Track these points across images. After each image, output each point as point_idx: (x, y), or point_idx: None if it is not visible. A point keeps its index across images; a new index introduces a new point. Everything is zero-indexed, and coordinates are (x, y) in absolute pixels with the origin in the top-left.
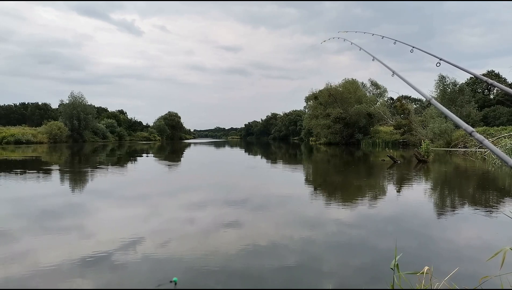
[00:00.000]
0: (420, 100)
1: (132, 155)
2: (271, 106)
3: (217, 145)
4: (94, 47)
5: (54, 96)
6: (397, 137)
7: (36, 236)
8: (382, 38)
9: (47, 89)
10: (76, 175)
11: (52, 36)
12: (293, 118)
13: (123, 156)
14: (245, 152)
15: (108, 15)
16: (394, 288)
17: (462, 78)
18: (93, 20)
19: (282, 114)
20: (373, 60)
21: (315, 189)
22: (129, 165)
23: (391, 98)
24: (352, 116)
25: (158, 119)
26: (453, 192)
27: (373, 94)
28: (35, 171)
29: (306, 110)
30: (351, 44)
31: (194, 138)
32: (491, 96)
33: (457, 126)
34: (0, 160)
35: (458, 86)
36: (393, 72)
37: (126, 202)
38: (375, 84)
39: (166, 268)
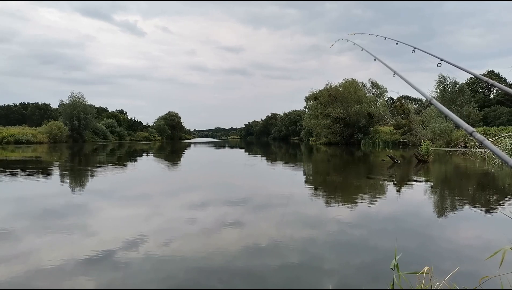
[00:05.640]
0: (420, 100)
1: (132, 155)
2: (272, 106)
3: (217, 145)
4: (96, 48)
5: (55, 96)
6: (397, 137)
7: (38, 235)
8: (385, 39)
9: (49, 89)
10: (77, 174)
11: (55, 37)
12: (293, 118)
13: (124, 156)
14: (245, 152)
15: (111, 16)
16: (394, 288)
17: (462, 78)
18: (96, 21)
19: (282, 114)
20: (374, 60)
21: (315, 188)
22: (130, 165)
23: (391, 98)
24: (352, 116)
25: (158, 119)
26: (453, 192)
27: (373, 94)
28: (36, 171)
29: (306, 110)
30: (354, 44)
31: (194, 138)
32: (491, 96)
33: (457, 126)
34: (0, 160)
35: (458, 86)
36: (394, 72)
37: (127, 201)
38: (375, 84)
39: (168, 268)
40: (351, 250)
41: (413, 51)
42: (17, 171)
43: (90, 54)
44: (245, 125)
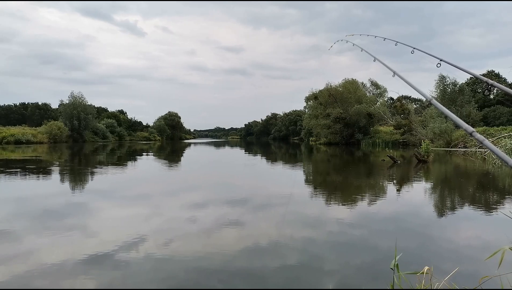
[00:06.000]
0: (420, 100)
1: (132, 155)
2: (272, 106)
3: (217, 145)
4: (96, 48)
5: (55, 96)
6: (397, 137)
7: (38, 235)
8: (384, 40)
9: (49, 89)
10: (77, 175)
11: (55, 37)
12: (293, 118)
13: (124, 156)
14: (245, 152)
15: (111, 16)
16: (394, 288)
17: (462, 78)
18: (96, 21)
19: (282, 114)
20: (374, 60)
21: (316, 188)
22: (130, 165)
23: (391, 98)
24: (352, 116)
25: (158, 119)
26: (453, 192)
27: (373, 94)
28: (36, 171)
29: (306, 110)
30: (353, 45)
31: (194, 138)
32: (491, 96)
33: (457, 126)
34: (0, 159)
35: (458, 86)
36: (394, 73)
37: (127, 201)
38: (375, 84)
39: (168, 268)
40: (351, 250)
41: (412, 52)
42: (17, 171)
43: (90, 54)
44: (245, 125)
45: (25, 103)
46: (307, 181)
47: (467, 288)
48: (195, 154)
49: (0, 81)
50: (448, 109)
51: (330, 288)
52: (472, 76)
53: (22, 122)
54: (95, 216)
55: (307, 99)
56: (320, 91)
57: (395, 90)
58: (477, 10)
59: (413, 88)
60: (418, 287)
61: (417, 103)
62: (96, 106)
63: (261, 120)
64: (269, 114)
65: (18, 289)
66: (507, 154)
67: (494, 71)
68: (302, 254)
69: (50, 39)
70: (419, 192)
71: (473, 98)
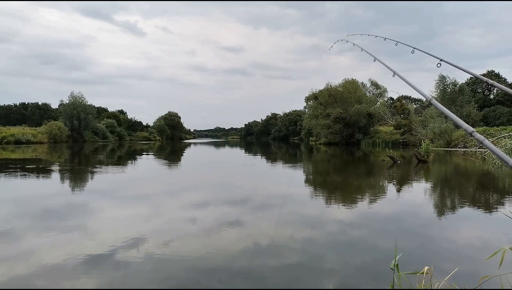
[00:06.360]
0: (420, 100)
1: (132, 155)
2: (272, 106)
3: (217, 145)
4: (96, 48)
5: (55, 96)
6: (397, 137)
7: (38, 235)
8: (384, 39)
9: (49, 89)
10: (77, 174)
11: (55, 37)
12: (293, 118)
13: (124, 156)
14: (245, 152)
15: (111, 16)
16: (394, 288)
17: (462, 78)
18: (97, 21)
19: (282, 114)
20: (374, 60)
21: (315, 188)
22: (130, 165)
23: (391, 98)
24: (352, 116)
25: (158, 119)
26: (453, 192)
27: (373, 94)
28: (36, 171)
29: (306, 110)
30: (353, 45)
31: (194, 138)
32: (491, 96)
33: (457, 126)
34: (0, 159)
35: (458, 86)
36: (394, 73)
37: (127, 201)
38: (375, 84)
39: (168, 268)
40: (351, 250)
41: (412, 52)
42: (17, 171)
43: (90, 54)
44: (245, 125)
45: (25, 103)
46: (307, 181)
47: (467, 288)
48: (195, 154)
49: (0, 81)
50: (448, 109)
51: (330, 288)
52: (472, 76)
53: (22, 122)
54: (95, 216)
55: (307, 99)
56: (320, 91)
57: (395, 90)
58: (477, 10)
59: (413, 88)
60: (418, 287)
61: (417, 103)
62: (96, 106)
63: (261, 120)
64: (269, 114)
65: (18, 289)
66: (507, 154)
67: (494, 71)
68: (302, 254)
69: (50, 39)
70: (419, 192)
71: (473, 98)
